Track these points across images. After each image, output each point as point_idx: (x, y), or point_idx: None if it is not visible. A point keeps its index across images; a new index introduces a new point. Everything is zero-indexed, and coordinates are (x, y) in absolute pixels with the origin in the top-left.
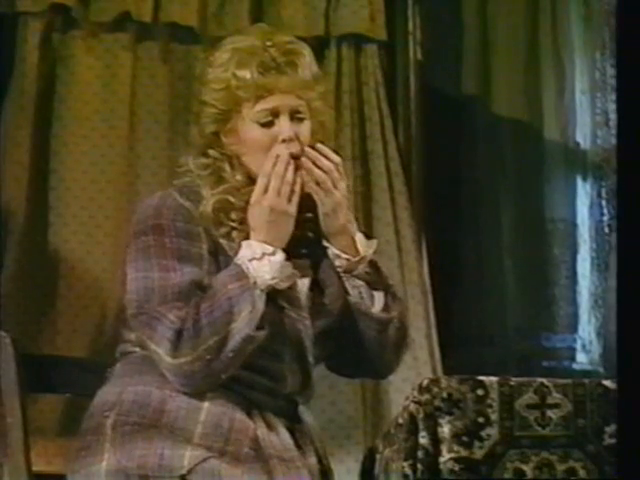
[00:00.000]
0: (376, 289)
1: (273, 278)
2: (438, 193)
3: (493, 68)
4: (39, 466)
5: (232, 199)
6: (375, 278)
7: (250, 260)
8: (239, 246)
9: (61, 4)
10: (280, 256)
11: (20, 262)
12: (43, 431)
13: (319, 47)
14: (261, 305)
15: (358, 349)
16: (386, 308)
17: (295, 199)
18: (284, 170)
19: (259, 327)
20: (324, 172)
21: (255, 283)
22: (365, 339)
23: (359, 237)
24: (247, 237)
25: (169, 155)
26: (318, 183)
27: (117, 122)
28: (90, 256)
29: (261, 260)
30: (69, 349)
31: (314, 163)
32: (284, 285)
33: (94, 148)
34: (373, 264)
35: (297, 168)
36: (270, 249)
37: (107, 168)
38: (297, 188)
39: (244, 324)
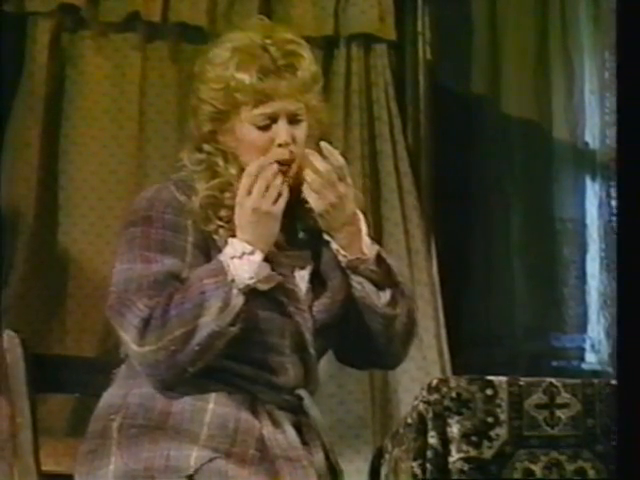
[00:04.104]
0: (381, 287)
1: (251, 278)
2: (447, 193)
3: (502, 68)
4: (48, 466)
5: (221, 196)
6: (381, 276)
7: (232, 258)
8: (225, 243)
9: (70, 4)
10: (258, 256)
11: (29, 262)
12: (52, 431)
13: (328, 47)
14: (237, 303)
15: (365, 341)
16: (392, 304)
17: (282, 201)
18: (272, 174)
19: (231, 324)
20: (316, 173)
21: (233, 281)
22: (372, 332)
23: (365, 236)
24: (234, 235)
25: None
26: (308, 184)
27: (126, 122)
28: (99, 256)
29: (241, 259)
30: (78, 349)
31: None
32: (264, 287)
33: (103, 148)
34: (381, 260)
35: (285, 173)
36: (249, 248)
37: (116, 168)
38: (285, 192)
39: (212, 319)
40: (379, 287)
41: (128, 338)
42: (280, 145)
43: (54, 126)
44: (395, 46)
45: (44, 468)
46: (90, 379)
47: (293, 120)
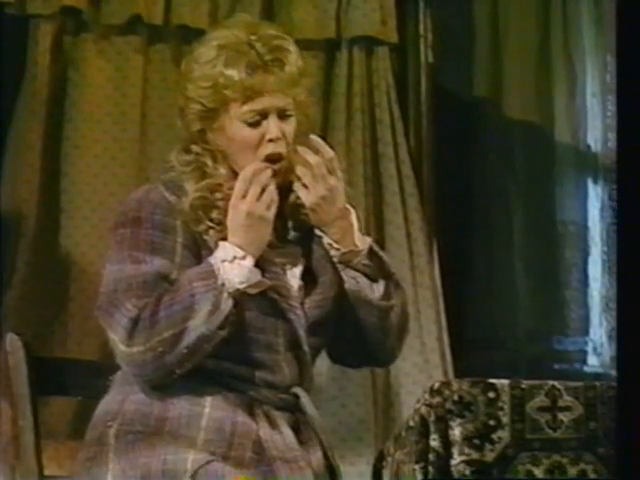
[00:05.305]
0: (375, 280)
1: (242, 282)
2: (449, 196)
3: (504, 70)
4: (50, 469)
5: (211, 196)
6: (374, 269)
7: (222, 261)
8: (216, 245)
9: (72, 7)
10: (250, 261)
11: (31, 265)
12: (55, 434)
13: (330, 50)
14: (226, 307)
15: (360, 336)
16: (387, 296)
17: (274, 207)
18: (266, 179)
19: (220, 327)
20: (306, 167)
21: (223, 285)
22: (367, 326)
23: (356, 230)
24: (225, 237)
25: None
26: (298, 178)
27: (128, 125)
28: (101, 259)
29: (232, 263)
30: (80, 352)
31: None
32: (254, 291)
33: (105, 151)
34: (373, 253)
35: (275, 173)
36: (241, 253)
37: (118, 171)
38: (276, 198)
39: (201, 322)
40: (372, 280)
41: (116, 338)
42: (271, 140)
43: (56, 129)
44: (397, 49)
45: (46, 471)
46: (92, 382)
47: (282, 115)
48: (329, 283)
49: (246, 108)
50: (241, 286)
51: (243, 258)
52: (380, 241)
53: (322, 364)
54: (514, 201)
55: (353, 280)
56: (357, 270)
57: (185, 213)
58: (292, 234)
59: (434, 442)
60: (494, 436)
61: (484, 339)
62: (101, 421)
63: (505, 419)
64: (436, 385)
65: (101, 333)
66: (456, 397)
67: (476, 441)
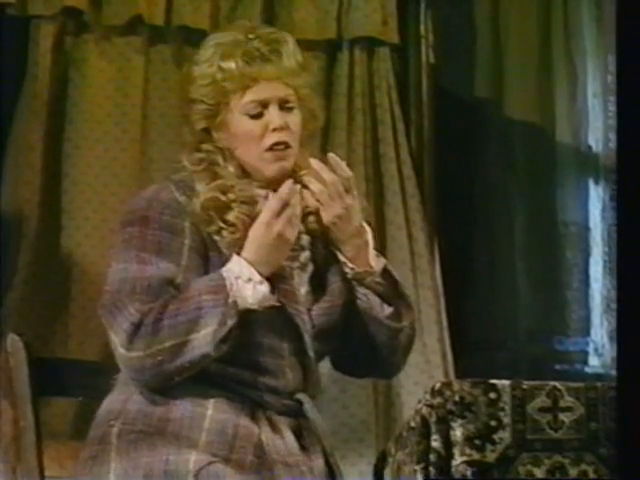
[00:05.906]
0: (387, 300)
1: (253, 304)
2: (450, 196)
3: (505, 71)
4: (52, 470)
5: (224, 197)
6: (386, 289)
7: (237, 278)
8: (229, 252)
9: (73, 8)
10: (266, 287)
11: (33, 265)
12: (56, 435)
13: (331, 50)
14: (231, 323)
15: (367, 351)
16: (397, 316)
17: (297, 231)
18: (299, 203)
19: (223, 340)
20: (323, 184)
21: (235, 302)
22: (375, 343)
23: (371, 249)
24: (237, 239)
25: None
26: (307, 187)
27: (129, 125)
28: (103, 259)
29: (247, 283)
30: (82, 352)
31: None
32: (261, 309)
33: (107, 152)
34: (387, 273)
35: (283, 158)
36: (258, 278)
37: (119, 171)
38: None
39: (207, 341)
40: (384, 300)
41: (116, 340)
42: (274, 130)
43: (57, 129)
44: (398, 49)
45: (47, 472)
46: (93, 382)
47: (284, 107)
48: (337, 291)
49: (246, 99)
50: (252, 307)
51: (260, 283)
52: (381, 242)
53: (323, 366)
54: (515, 202)
55: (364, 297)
56: (369, 288)
57: (195, 214)
58: (303, 239)
59: (435, 443)
60: (495, 437)
61: (485, 340)
62: (104, 420)
63: (506, 420)
64: (437, 386)
65: (102, 334)
66: (457, 398)
67: (477, 442)
